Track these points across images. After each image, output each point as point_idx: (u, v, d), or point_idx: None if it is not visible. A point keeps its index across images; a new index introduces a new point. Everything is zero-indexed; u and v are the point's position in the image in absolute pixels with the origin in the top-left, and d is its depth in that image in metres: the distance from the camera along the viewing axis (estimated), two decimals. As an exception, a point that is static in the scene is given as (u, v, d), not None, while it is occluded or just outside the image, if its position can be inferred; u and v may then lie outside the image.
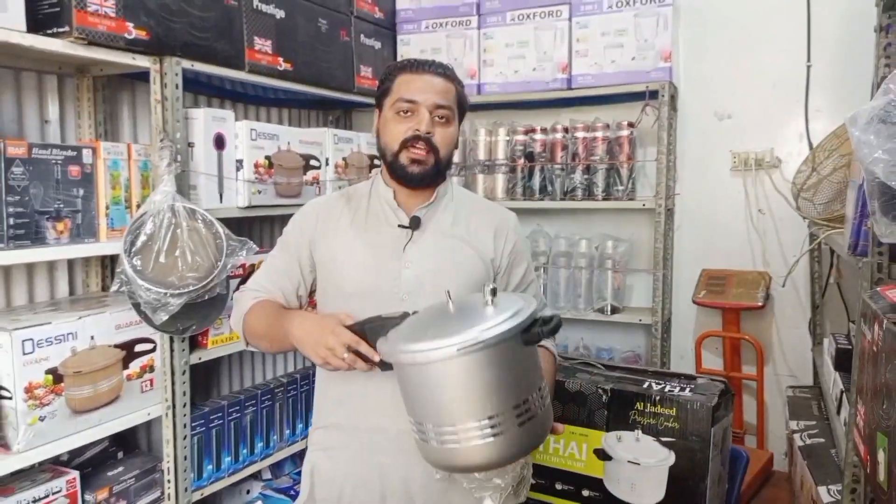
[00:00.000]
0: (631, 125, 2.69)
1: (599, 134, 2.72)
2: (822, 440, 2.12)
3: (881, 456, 1.10)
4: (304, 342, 1.26)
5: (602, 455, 1.88)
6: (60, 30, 1.69)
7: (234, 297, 1.53)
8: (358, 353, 1.20)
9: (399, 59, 3.01)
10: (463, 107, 1.45)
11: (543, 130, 2.84)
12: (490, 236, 1.44)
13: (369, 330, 1.20)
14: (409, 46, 2.99)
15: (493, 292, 1.09)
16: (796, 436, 2.20)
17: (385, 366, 1.18)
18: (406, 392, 1.11)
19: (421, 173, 1.37)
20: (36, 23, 1.66)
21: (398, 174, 1.38)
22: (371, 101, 2.92)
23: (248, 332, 1.44)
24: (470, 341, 1.01)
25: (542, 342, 1.37)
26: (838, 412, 1.88)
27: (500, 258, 1.44)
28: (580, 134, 2.75)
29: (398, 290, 1.35)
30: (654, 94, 2.59)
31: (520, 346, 1.05)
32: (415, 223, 1.39)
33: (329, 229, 1.44)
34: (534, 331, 1.06)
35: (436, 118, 1.37)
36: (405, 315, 1.19)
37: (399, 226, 1.40)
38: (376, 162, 2.82)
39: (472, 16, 2.87)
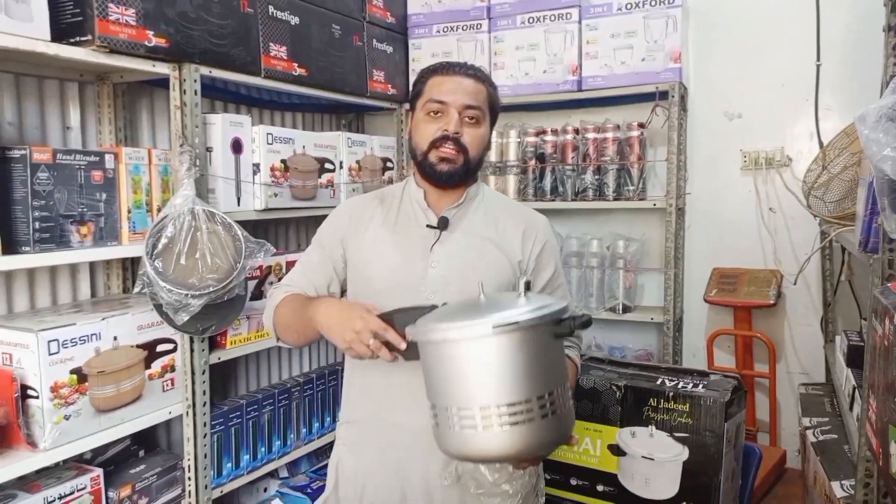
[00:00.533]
0: (641, 126, 2.71)
1: (610, 135, 2.74)
2: (834, 436, 2.13)
3: (893, 448, 1.12)
4: (330, 326, 1.27)
5: (616, 451, 1.91)
6: (83, 38, 1.73)
7: (268, 293, 1.56)
8: (385, 343, 1.20)
9: (411, 63, 3.05)
10: (494, 108, 1.47)
11: (554, 132, 2.86)
12: (518, 238, 1.45)
13: (397, 318, 1.21)
14: (421, 51, 3.02)
15: (528, 285, 1.11)
16: (809, 432, 2.21)
17: (410, 355, 1.19)
18: (431, 373, 1.10)
19: (449, 171, 1.38)
20: (59, 32, 1.71)
21: (427, 172, 1.41)
22: (384, 104, 2.99)
23: (278, 324, 1.46)
24: (506, 320, 1.02)
25: (568, 352, 1.39)
26: (851, 408, 1.90)
27: (527, 260, 1.45)
28: (591, 135, 2.78)
29: (424, 289, 1.37)
30: (664, 95, 2.61)
31: (550, 338, 1.07)
32: (443, 223, 1.41)
33: (361, 228, 1.46)
34: (565, 323, 1.07)
35: (465, 119, 1.39)
36: (434, 307, 1.21)
37: (427, 226, 1.42)
38: (389, 165, 2.86)
39: (483, 19, 2.90)
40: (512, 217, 1.49)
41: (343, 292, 1.52)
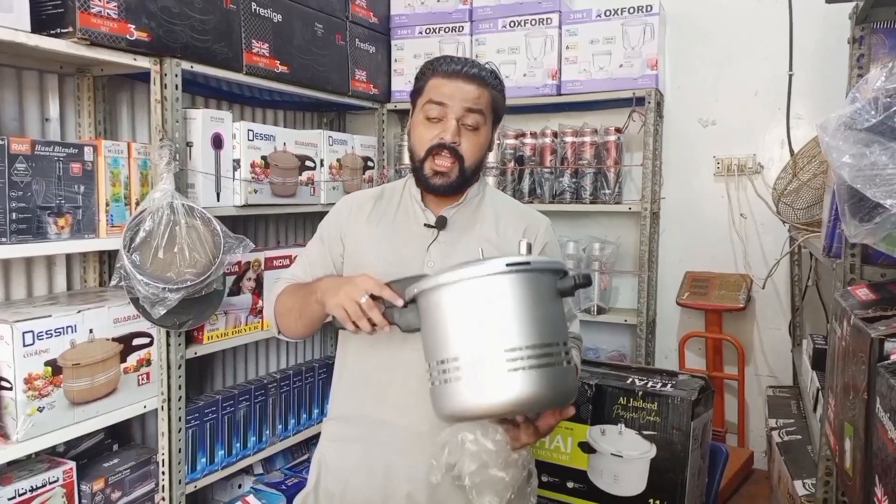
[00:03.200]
0: (618, 130, 2.76)
1: (587, 139, 2.79)
2: (799, 437, 2.18)
3: (847, 444, 1.17)
4: (326, 290, 1.26)
5: (586, 448, 1.94)
6: (64, 30, 1.73)
7: (269, 290, 1.54)
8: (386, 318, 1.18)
9: (393, 63, 3.07)
10: (497, 111, 1.44)
11: (533, 135, 2.90)
12: (518, 238, 1.39)
13: (396, 285, 1.21)
14: (403, 51, 3.05)
15: (529, 247, 1.13)
16: (775, 433, 2.27)
17: (408, 324, 1.17)
18: (434, 326, 1.09)
19: (443, 185, 1.37)
20: (40, 23, 1.71)
21: (422, 183, 1.40)
22: (365, 104, 3.00)
23: (279, 311, 1.45)
24: (519, 259, 1.04)
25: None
26: (814, 409, 1.95)
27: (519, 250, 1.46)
28: (569, 138, 2.82)
29: None
30: (640, 101, 2.66)
31: (555, 292, 1.08)
32: (440, 223, 1.40)
33: (359, 223, 1.45)
34: (568, 278, 1.09)
35: (464, 125, 1.36)
36: (424, 276, 1.19)
37: (425, 225, 1.41)
38: (370, 164, 2.88)
39: (465, 22, 2.94)
40: (513, 218, 1.47)
41: None
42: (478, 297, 1.04)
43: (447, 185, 1.37)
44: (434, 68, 1.41)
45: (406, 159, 3.07)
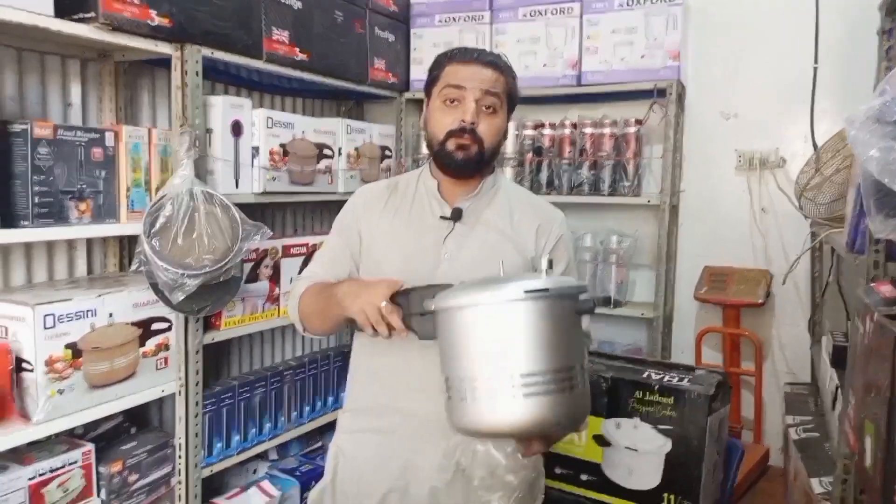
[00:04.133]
0: (638, 122, 2.73)
1: (607, 130, 2.77)
2: (816, 435, 2.16)
3: (868, 443, 1.15)
4: (348, 296, 1.27)
5: (601, 441, 1.94)
6: (86, 15, 1.74)
7: (291, 290, 1.55)
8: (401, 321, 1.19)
9: (412, 52, 3.06)
10: (513, 98, 1.44)
11: (552, 126, 2.88)
12: (532, 233, 1.43)
13: (414, 295, 1.22)
14: (423, 40, 3.03)
15: (550, 263, 1.13)
16: (791, 430, 2.25)
17: (425, 333, 1.19)
18: (452, 344, 1.10)
19: (465, 158, 1.37)
20: (62, 8, 1.71)
21: (444, 161, 1.40)
22: (384, 92, 3.00)
23: (303, 311, 1.45)
24: (538, 285, 1.04)
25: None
26: (833, 407, 1.93)
27: (540, 254, 1.43)
28: (588, 130, 2.80)
29: (434, 281, 1.33)
30: (661, 93, 2.63)
31: (573, 313, 1.08)
32: (456, 215, 1.40)
33: (374, 215, 1.46)
34: (587, 300, 1.10)
35: (482, 108, 1.37)
36: (450, 285, 1.20)
37: (441, 217, 1.41)
38: (388, 153, 2.88)
39: (485, 11, 2.91)
40: (528, 211, 1.47)
41: None
42: (494, 323, 1.05)
43: (468, 158, 1.37)
44: (450, 57, 1.43)
45: (424, 149, 3.07)
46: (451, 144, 1.38)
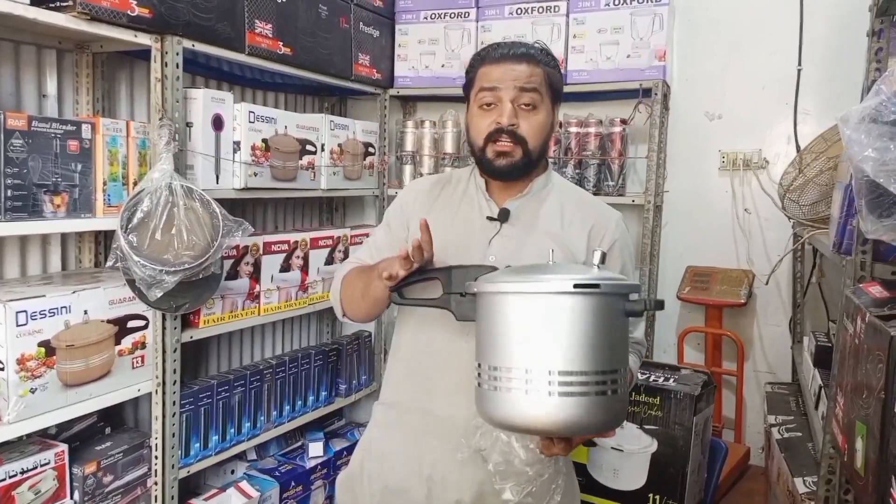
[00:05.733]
0: (623, 122, 2.73)
1: (592, 129, 2.76)
2: (799, 434, 2.17)
3: (859, 444, 1.15)
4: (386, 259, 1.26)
5: (586, 441, 1.92)
6: (63, 3, 1.69)
7: (336, 272, 1.53)
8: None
9: (397, 48, 3.02)
10: (555, 87, 1.38)
11: (537, 124, 2.86)
12: (584, 235, 1.37)
13: (455, 273, 1.18)
14: (408, 36, 3.00)
15: (603, 258, 1.07)
16: (774, 430, 2.25)
17: (463, 314, 1.15)
18: (489, 330, 1.06)
19: (508, 166, 1.32)
20: (39, -4, 1.66)
21: (486, 169, 1.36)
22: (368, 88, 2.96)
23: (344, 291, 1.43)
24: (589, 280, 0.99)
25: (630, 355, 1.31)
26: (816, 407, 1.94)
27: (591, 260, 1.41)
28: (573, 129, 2.79)
29: None
30: (647, 92, 2.63)
31: (622, 313, 1.04)
32: (503, 216, 1.36)
33: (423, 210, 1.42)
34: (638, 301, 1.04)
35: (520, 107, 1.31)
36: (495, 268, 1.16)
37: (487, 217, 1.37)
38: (371, 150, 2.84)
39: (471, 8, 2.89)
40: (581, 212, 1.40)
41: None
42: (538, 314, 1.00)
43: (511, 165, 1.32)
44: (482, 57, 1.38)
45: (408, 146, 3.04)
46: (490, 152, 1.33)
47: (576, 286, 0.99)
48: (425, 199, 1.45)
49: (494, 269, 1.16)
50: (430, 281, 1.25)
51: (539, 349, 0.99)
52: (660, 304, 1.07)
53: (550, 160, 2.76)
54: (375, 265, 1.34)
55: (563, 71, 2.70)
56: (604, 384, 0.99)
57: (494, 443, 1.18)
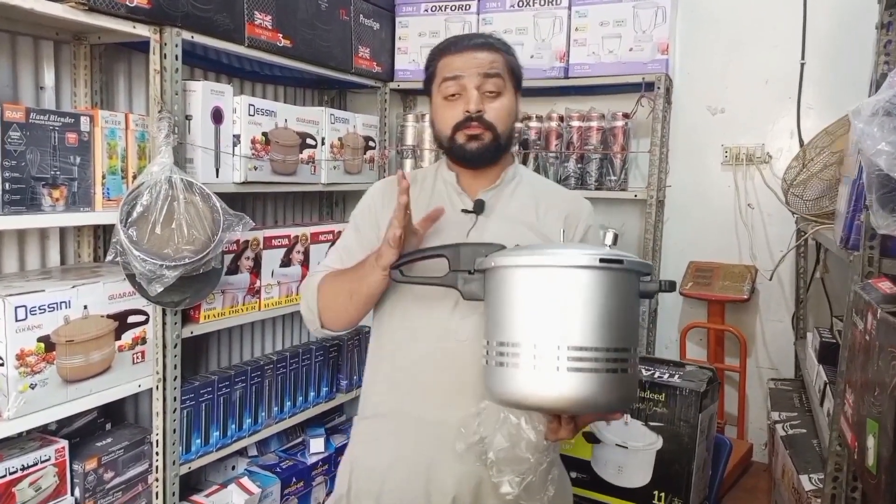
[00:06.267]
0: (626, 116, 2.71)
1: (594, 123, 2.74)
2: (803, 431, 2.16)
3: (871, 442, 1.13)
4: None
5: (590, 438, 1.91)
6: (61, -7, 1.66)
7: (303, 285, 1.47)
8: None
9: (397, 41, 3.00)
10: (517, 74, 1.37)
11: (539, 118, 2.85)
12: (560, 223, 1.35)
13: (463, 250, 1.16)
14: (408, 29, 2.98)
15: (615, 238, 1.06)
16: (778, 426, 2.24)
17: (471, 293, 1.13)
18: (500, 304, 1.04)
19: (480, 148, 1.31)
20: (36, -14, 1.64)
21: (458, 155, 1.34)
22: (368, 82, 2.93)
23: (323, 301, 1.37)
24: (613, 256, 0.98)
25: None
26: (821, 404, 1.93)
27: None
28: (575, 123, 2.77)
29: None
30: (649, 86, 2.61)
31: (637, 293, 1.03)
32: (479, 207, 1.34)
33: (392, 209, 1.37)
34: (653, 282, 1.04)
35: (485, 94, 1.31)
36: (503, 246, 1.14)
37: (463, 210, 1.35)
38: (371, 144, 2.82)
39: (472, 0, 2.87)
40: (554, 201, 1.40)
41: None
42: (557, 287, 0.99)
43: (483, 147, 1.31)
44: (442, 49, 1.37)
45: (408, 139, 3.02)
46: (460, 137, 1.32)
47: (602, 260, 0.98)
48: (393, 196, 1.38)
49: (503, 247, 1.14)
50: (434, 260, 1.22)
51: (550, 323, 0.98)
52: (672, 286, 1.07)
53: (551, 154, 2.78)
54: (365, 258, 1.30)
55: (565, 64, 2.72)
56: (615, 361, 0.98)
57: (501, 425, 1.16)
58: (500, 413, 1.15)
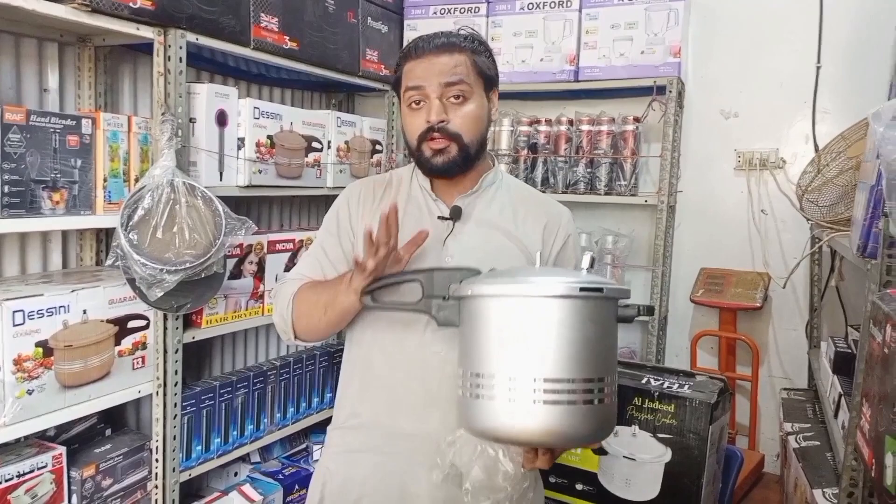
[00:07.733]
0: (637, 120, 2.67)
1: (604, 128, 2.70)
2: (817, 443, 2.11)
3: (889, 460, 1.09)
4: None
5: (598, 449, 1.86)
6: (64, -5, 1.65)
7: (274, 290, 1.45)
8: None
9: (405, 44, 2.97)
10: (485, 73, 1.31)
11: (548, 122, 2.81)
12: (539, 231, 1.34)
13: (437, 276, 1.13)
14: (416, 32, 2.94)
15: (592, 262, 1.03)
16: (791, 438, 2.19)
17: (446, 319, 1.10)
18: (476, 335, 1.01)
19: (446, 163, 1.27)
20: (39, -13, 1.62)
21: (425, 168, 1.31)
22: (376, 85, 2.90)
23: (299, 310, 1.33)
24: (595, 284, 0.95)
25: None
26: (836, 416, 1.87)
27: (547, 255, 1.34)
28: (585, 127, 2.73)
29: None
30: (661, 90, 2.57)
31: (614, 320, 1.00)
32: (455, 214, 1.30)
33: (367, 213, 1.35)
34: (631, 307, 1.01)
35: (449, 101, 1.26)
36: (478, 271, 1.11)
37: (439, 217, 1.31)
38: (378, 147, 2.79)
39: (482, 3, 2.84)
40: (533, 208, 1.37)
41: None
42: (534, 318, 0.95)
43: (449, 161, 1.27)
44: (406, 53, 1.31)
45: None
46: (426, 150, 1.28)
47: (581, 289, 0.94)
48: (369, 201, 1.37)
49: (478, 272, 1.11)
50: (408, 284, 1.19)
51: (525, 355, 0.95)
52: (650, 310, 1.04)
53: (560, 158, 2.74)
54: (341, 276, 1.27)
55: (575, 68, 2.68)
56: (591, 392, 0.95)
57: (478, 457, 1.12)
58: (476, 444, 1.12)
